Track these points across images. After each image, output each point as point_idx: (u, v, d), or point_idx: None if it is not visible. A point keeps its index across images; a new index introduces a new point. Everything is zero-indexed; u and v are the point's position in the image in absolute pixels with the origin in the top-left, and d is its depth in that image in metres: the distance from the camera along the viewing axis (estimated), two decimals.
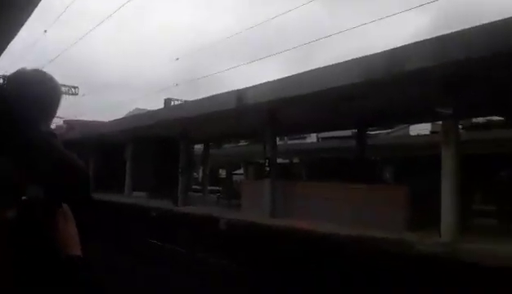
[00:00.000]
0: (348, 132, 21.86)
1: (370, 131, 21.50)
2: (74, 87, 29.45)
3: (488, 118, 19.55)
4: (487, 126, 20.29)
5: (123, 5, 13.36)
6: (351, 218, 9.99)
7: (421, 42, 7.27)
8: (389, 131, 28.22)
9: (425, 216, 8.78)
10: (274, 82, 10.65)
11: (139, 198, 18.52)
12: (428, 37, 7.19)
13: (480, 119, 20.84)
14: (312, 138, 34.61)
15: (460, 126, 12.84)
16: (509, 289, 5.67)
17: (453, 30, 6.87)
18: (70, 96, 29.40)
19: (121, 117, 22.58)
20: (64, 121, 33.91)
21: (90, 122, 29.28)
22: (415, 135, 25.94)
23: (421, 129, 25.73)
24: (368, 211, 9.84)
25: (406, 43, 7.53)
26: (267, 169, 12.14)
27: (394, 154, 23.66)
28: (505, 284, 5.73)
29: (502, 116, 12.88)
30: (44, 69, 1.37)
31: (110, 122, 19.83)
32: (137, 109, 27.13)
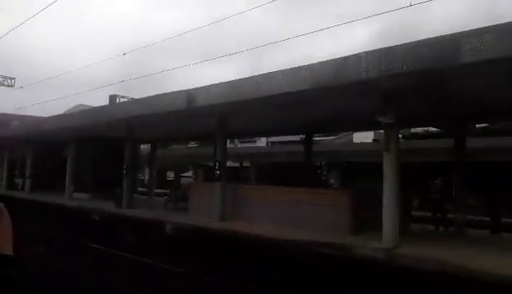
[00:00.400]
0: (296, 138, 22.39)
1: (317, 136, 22.13)
2: (11, 78, 27.53)
3: (426, 128, 20.88)
4: (426, 136, 21.66)
5: None
6: (297, 221, 10.21)
7: (365, 53, 7.60)
8: (334, 137, 29.26)
9: (368, 220, 9.18)
10: (224, 84, 10.62)
11: (80, 199, 17.61)
12: (373, 49, 7.52)
13: (419, 129, 22.21)
14: (262, 142, 35.03)
15: (400, 136, 13.63)
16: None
17: (398, 42, 7.25)
18: (6, 88, 27.44)
19: (62, 112, 21.32)
20: None
21: (27, 116, 27.44)
22: (358, 143, 27.09)
23: (364, 137, 26.90)
24: (313, 215, 10.12)
25: (352, 53, 7.83)
26: (217, 172, 12.06)
27: (339, 160, 24.54)
28: (436, 289, 6.11)
29: (438, 127, 13.81)
30: None
31: (50, 118, 18.66)
32: (80, 104, 25.82)
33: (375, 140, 24.23)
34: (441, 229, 11.73)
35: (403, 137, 21.56)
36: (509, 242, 10.12)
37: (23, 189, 22.28)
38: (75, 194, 18.11)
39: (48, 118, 19.26)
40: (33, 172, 21.86)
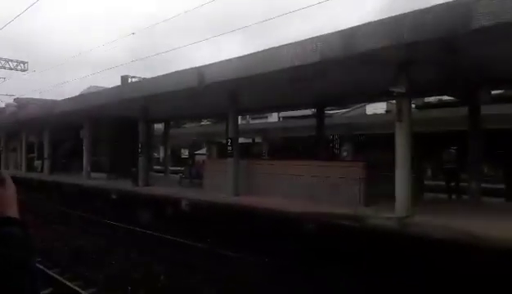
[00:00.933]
0: (308, 112, 22.29)
1: (329, 110, 22.01)
2: (24, 63, 27.81)
3: (440, 97, 20.53)
4: (439, 105, 21.33)
5: None
6: (309, 194, 10.36)
7: (374, 22, 7.47)
8: (347, 110, 29.01)
9: (382, 191, 9.25)
10: (234, 60, 10.59)
11: (98, 179, 18.06)
12: (382, 18, 7.40)
13: (432, 98, 21.84)
14: (274, 117, 34.98)
15: (413, 105, 13.45)
16: (454, 260, 6.13)
17: (406, 11, 7.11)
18: (20, 72, 27.79)
19: (76, 95, 21.60)
20: (14, 99, 32.06)
21: (43, 100, 27.87)
22: (371, 114, 26.85)
23: (377, 108, 26.64)
24: (326, 187, 10.24)
25: (361, 23, 7.70)
26: (230, 148, 12.20)
27: (352, 132, 24.44)
28: (450, 256, 6.21)
29: (452, 96, 13.57)
30: None
31: (65, 101, 18.96)
32: (93, 86, 26.07)
33: (387, 111, 23.97)
34: (454, 197, 11.76)
35: (416, 107, 21.28)
36: None
37: (42, 171, 22.90)
38: (93, 174, 18.57)
39: (63, 100, 19.57)
40: (51, 154, 22.39)
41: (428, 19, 6.81)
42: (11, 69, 27.13)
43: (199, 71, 11.21)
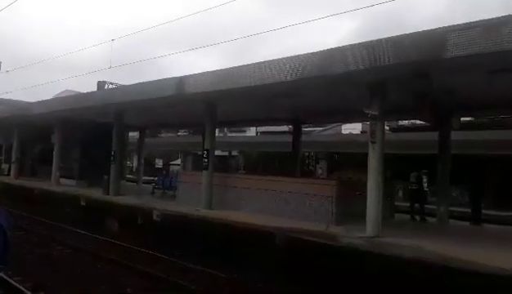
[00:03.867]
0: (285, 128, 22.51)
1: (306, 127, 22.29)
2: None
3: (413, 121, 21.16)
4: (412, 129, 21.94)
5: None
6: (282, 210, 10.37)
7: (352, 45, 7.68)
8: (323, 128, 29.50)
9: (353, 210, 9.35)
10: (214, 72, 10.62)
11: (67, 185, 17.51)
12: (357, 42, 7.62)
13: (406, 122, 22.50)
14: (252, 132, 35.11)
15: (387, 128, 13.79)
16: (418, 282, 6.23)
17: (380, 36, 7.35)
18: None
19: (50, 98, 21.05)
20: None
21: (14, 101, 27.00)
22: (346, 134, 27.37)
23: (352, 128, 27.19)
24: (299, 204, 10.28)
25: (338, 45, 7.92)
26: (205, 160, 12.11)
27: (327, 150, 24.80)
28: (416, 278, 6.30)
29: (424, 121, 14.00)
30: None
31: (38, 103, 18.43)
32: (68, 90, 25.48)
33: (362, 131, 24.51)
34: (417, 218, 12.01)
35: (390, 129, 21.84)
36: (482, 233, 10.46)
37: (9, 174, 22.05)
38: (62, 180, 18.00)
39: (35, 102, 19.01)
40: (19, 157, 21.62)
41: (404, 45, 7.05)
42: None
43: (179, 80, 11.17)
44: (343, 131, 28.64)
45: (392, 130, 22.22)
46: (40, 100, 18.70)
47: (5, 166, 23.84)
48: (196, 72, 11.09)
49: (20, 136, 21.39)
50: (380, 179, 8.44)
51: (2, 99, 28.78)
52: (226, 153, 31.94)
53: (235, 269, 8.31)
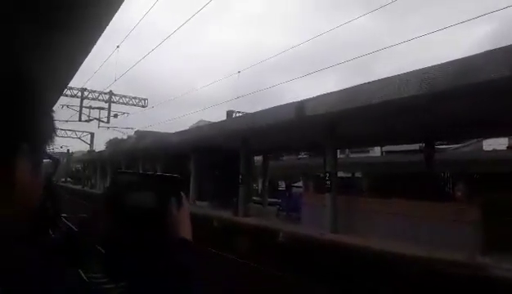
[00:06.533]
0: (415, 146, 20.85)
1: (439, 145, 20.31)
2: (144, 99, 31.34)
3: None
4: None
5: (185, 22, 14.02)
6: (416, 237, 9.47)
7: (491, 51, 6.79)
8: (460, 145, 26.42)
9: (500, 238, 8.05)
10: (334, 93, 10.52)
11: (201, 207, 19.11)
12: (497, 47, 6.70)
13: None
14: (376, 152, 33.48)
15: None
16: None
17: None
18: (140, 108, 31.39)
19: (186, 128, 23.53)
20: (135, 131, 36.26)
21: (158, 132, 30.97)
22: (489, 150, 24.01)
23: (497, 144, 23.77)
24: (436, 230, 9.26)
25: (472, 54, 7.08)
26: (328, 183, 11.92)
27: (466, 170, 22.03)
28: None
29: None
30: (116, 83, 1.49)
31: (176, 133, 20.79)
32: (202, 120, 28.17)
33: (510, 147, 21.20)
34: None
35: None
36: None
37: None
38: (197, 202, 19.72)
39: (174, 133, 21.47)
40: None
41: None
42: (133, 105, 30.84)
43: (298, 105, 11.35)
44: (485, 148, 25.20)
45: None
46: (178, 130, 21.03)
47: None
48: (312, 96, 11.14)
49: (162, 163, 24.26)
50: None
51: (148, 131, 33.32)
52: (349, 175, 31.01)
53: None
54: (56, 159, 0.94)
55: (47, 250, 1.02)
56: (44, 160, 0.76)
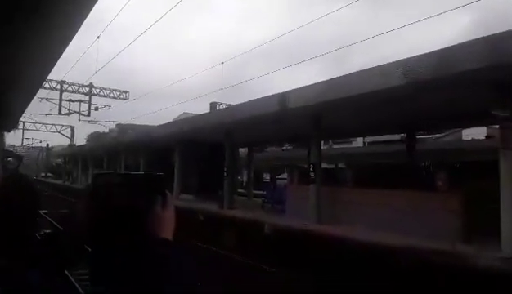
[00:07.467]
0: (397, 137, 21.15)
1: (420, 135, 20.62)
2: (125, 92, 30.83)
3: None
4: None
5: (164, 14, 13.80)
6: (399, 226, 9.62)
7: (469, 42, 6.89)
8: (440, 135, 26.95)
9: (481, 225, 8.26)
10: (317, 84, 10.53)
11: (186, 200, 18.99)
12: (475, 38, 6.81)
13: None
14: (358, 143, 33.83)
15: None
16: None
17: (495, 31, 6.46)
18: (122, 101, 30.90)
19: (169, 121, 23.29)
20: (116, 124, 35.69)
21: (140, 126, 30.58)
22: (469, 140, 24.54)
23: (475, 134, 24.30)
24: (418, 220, 9.43)
25: (453, 44, 7.17)
26: (312, 174, 11.99)
27: (447, 159, 22.48)
28: None
29: None
30: (96, 75, 1.44)
31: (159, 126, 20.54)
32: (185, 113, 27.93)
33: (488, 136, 21.73)
34: None
35: None
36: None
37: None
38: (182, 195, 19.58)
39: (157, 126, 21.21)
40: None
41: None
42: (114, 97, 30.33)
43: (282, 97, 11.33)
44: (464, 138, 25.74)
45: None
46: (160, 123, 20.76)
47: None
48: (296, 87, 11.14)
49: (146, 157, 23.96)
50: None
51: (130, 124, 32.85)
52: (332, 166, 31.27)
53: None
54: (18, 156, 0.90)
55: (31, 255, 0.99)
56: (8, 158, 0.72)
